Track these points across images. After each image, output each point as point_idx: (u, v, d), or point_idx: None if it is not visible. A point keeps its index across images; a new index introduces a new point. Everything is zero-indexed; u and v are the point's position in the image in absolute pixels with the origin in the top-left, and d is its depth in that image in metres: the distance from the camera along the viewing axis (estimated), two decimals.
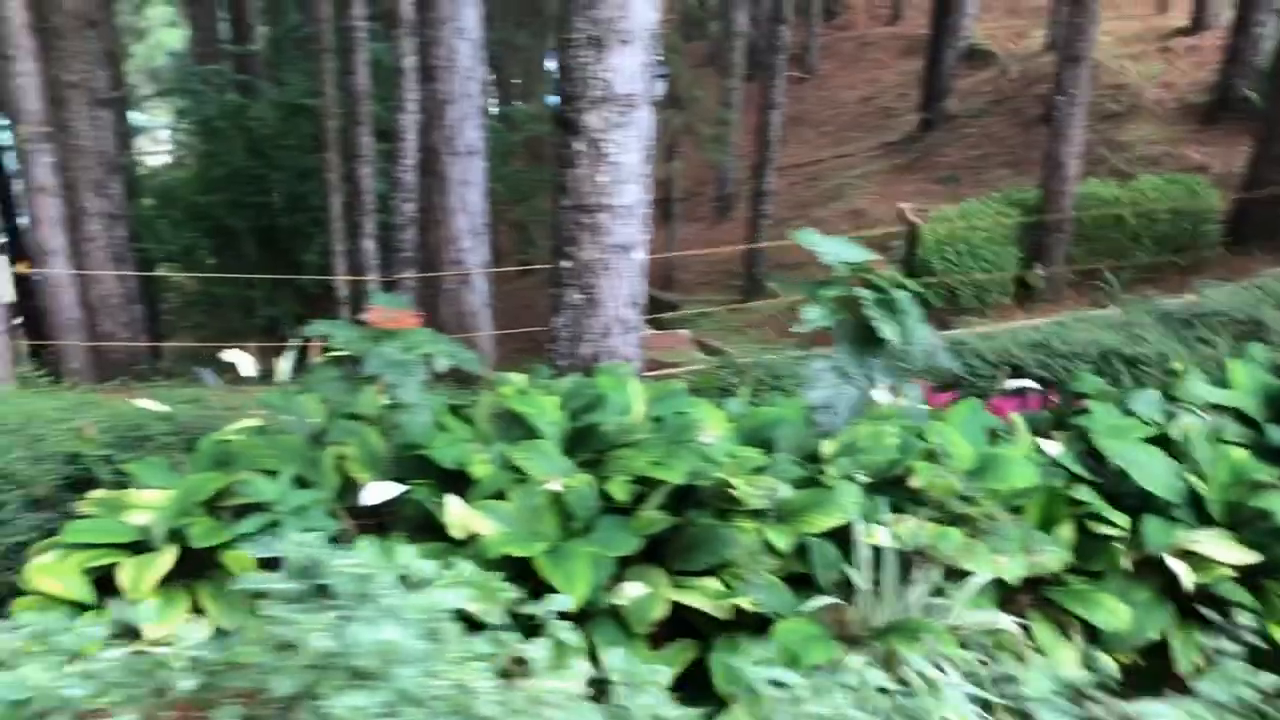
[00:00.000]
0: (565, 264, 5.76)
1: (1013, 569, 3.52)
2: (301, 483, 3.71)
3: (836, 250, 2.96)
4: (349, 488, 3.78)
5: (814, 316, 2.93)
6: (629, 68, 5.47)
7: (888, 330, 2.81)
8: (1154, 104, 15.09)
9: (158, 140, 29.68)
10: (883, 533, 3.38)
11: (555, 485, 3.45)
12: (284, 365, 4.07)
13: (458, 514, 3.41)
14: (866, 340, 2.89)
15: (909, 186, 16.71)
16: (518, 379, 4.51)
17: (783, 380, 5.78)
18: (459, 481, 3.75)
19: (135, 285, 11.10)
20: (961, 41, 18.66)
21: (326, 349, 4.35)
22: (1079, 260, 10.54)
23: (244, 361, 4.27)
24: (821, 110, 22.00)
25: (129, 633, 2.39)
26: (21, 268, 7.46)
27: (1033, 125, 16.47)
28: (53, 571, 3.40)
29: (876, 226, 15.17)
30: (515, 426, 4.05)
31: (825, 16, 25.50)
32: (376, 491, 3.38)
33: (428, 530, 3.63)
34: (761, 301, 13.54)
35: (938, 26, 17.92)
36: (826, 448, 3.85)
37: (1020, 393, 5.28)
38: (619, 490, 3.56)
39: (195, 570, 3.51)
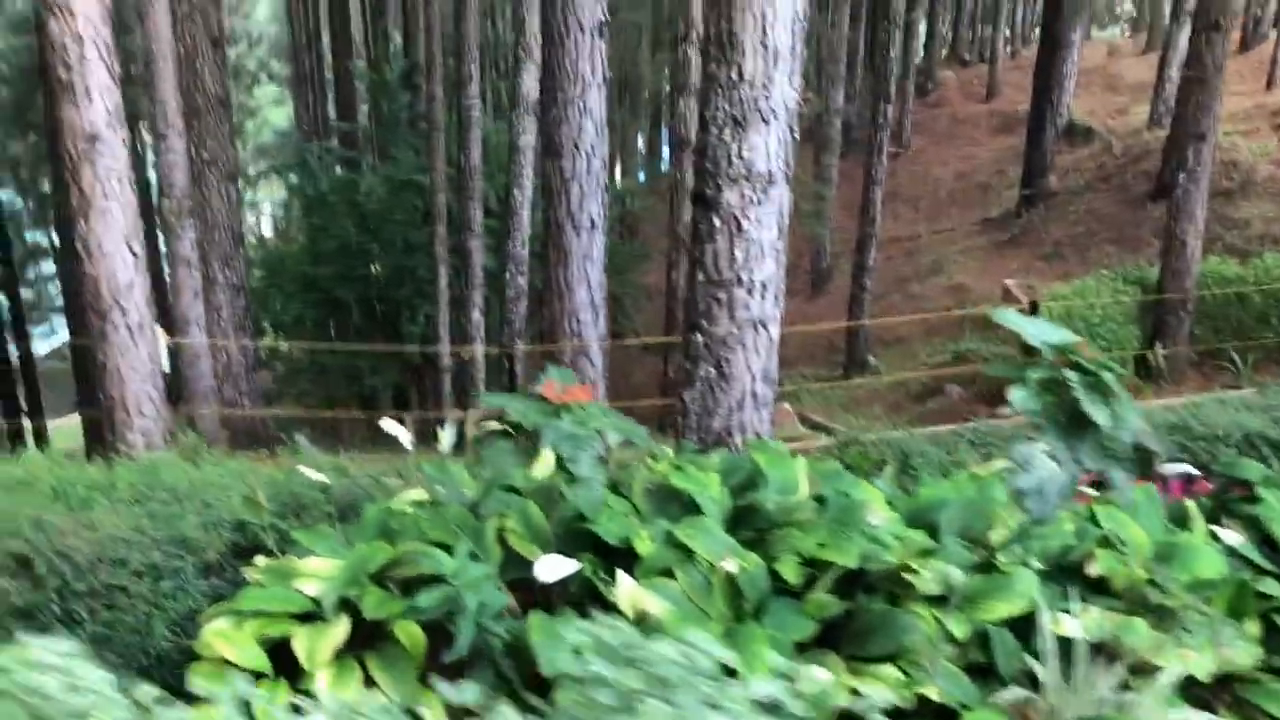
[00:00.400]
0: (698, 338, 5.78)
1: (1203, 664, 3.35)
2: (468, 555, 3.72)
3: (1038, 331, 2.91)
4: (509, 561, 3.78)
5: (1021, 399, 2.87)
6: (769, 146, 5.51)
7: (1099, 414, 2.74)
8: (1267, 181, 14.75)
9: (261, 213, 30.77)
10: (1070, 623, 3.25)
11: (730, 566, 3.40)
12: (446, 436, 4.10)
13: (629, 592, 3.38)
14: (1075, 424, 2.82)
15: (1012, 263, 16.52)
16: (667, 453, 4.49)
17: (912, 459, 5.67)
18: (620, 557, 3.72)
19: (252, 354, 11.42)
20: (1061, 118, 18.52)
21: (484, 420, 4.39)
22: (1202, 340, 10.25)
23: (402, 433, 4.32)
24: (916, 186, 21.96)
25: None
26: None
27: (1139, 202, 16.22)
28: (229, 639, 3.43)
29: (979, 303, 14.99)
30: (671, 502, 4.02)
31: (918, 93, 25.57)
32: (550, 567, 3.36)
33: (589, 605, 3.60)
34: (866, 378, 13.40)
35: (1038, 103, 17.84)
36: (996, 532, 3.75)
37: (1162, 477, 5.10)
38: (790, 572, 3.50)
39: (364, 641, 3.52)
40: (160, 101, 7.56)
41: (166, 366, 5.76)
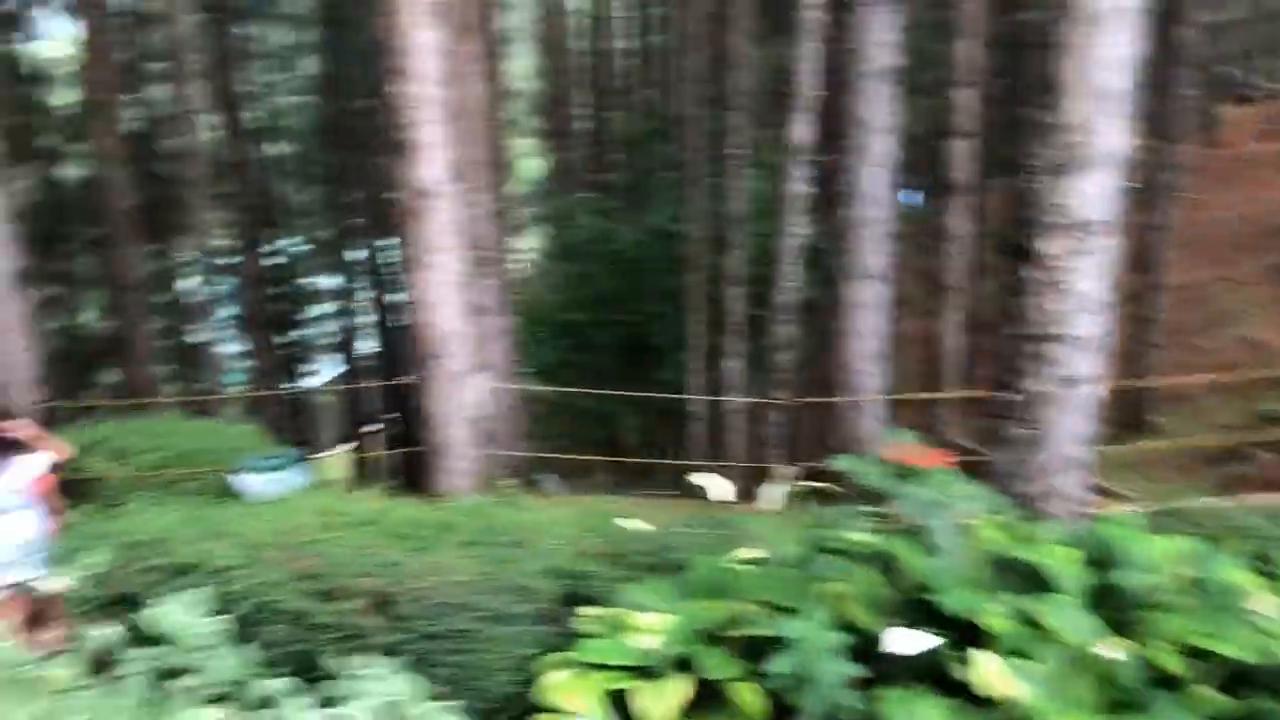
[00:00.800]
0: (1009, 396, 5.47)
1: None
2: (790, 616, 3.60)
3: None
4: (841, 626, 3.62)
5: None
6: (1092, 194, 5.19)
7: None
8: None
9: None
10: None
11: (1107, 651, 3.11)
12: (774, 493, 4.01)
13: (991, 673, 3.15)
14: None
15: None
16: (1000, 521, 4.22)
17: (1246, 534, 5.10)
18: (959, 629, 3.50)
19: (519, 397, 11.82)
20: None
21: (809, 478, 4.28)
22: None
23: (719, 486, 4.27)
24: (1195, 230, 20.36)
25: None
26: None
27: None
28: (571, 690, 3.45)
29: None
30: (1011, 573, 3.76)
31: (1196, 132, 23.81)
32: (902, 639, 3.18)
33: (933, 682, 3.40)
34: (1150, 439, 12.44)
35: None
36: None
37: None
38: (1169, 661, 3.17)
39: (699, 701, 3.45)
40: (468, 156, 7.98)
41: (483, 412, 6.03)
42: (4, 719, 1.84)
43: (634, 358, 16.72)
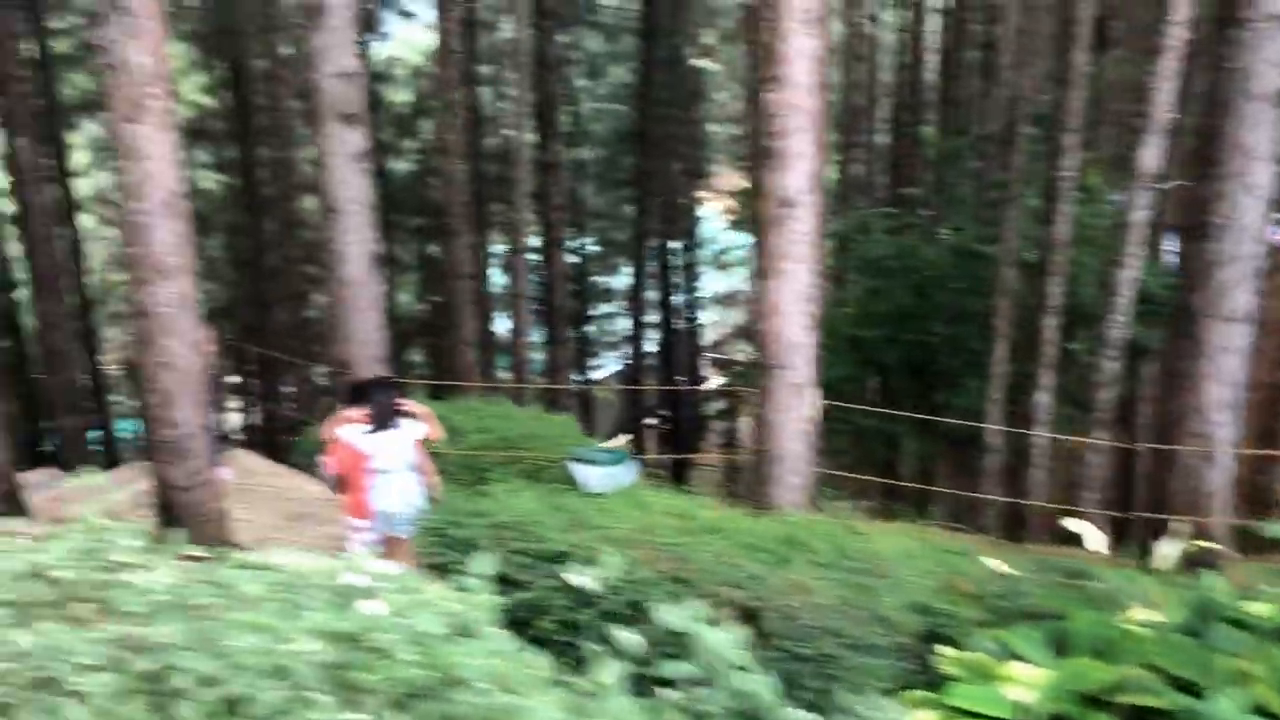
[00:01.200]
0: None
1: None
2: (1187, 690, 3.27)
3: None
4: (1250, 709, 3.25)
5: None
6: None
7: None
8: None
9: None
10: None
11: None
12: (1168, 550, 3.67)
13: None
14: None
15: None
16: None
17: None
18: None
19: None
20: None
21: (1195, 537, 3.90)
22: None
23: (1093, 536, 3.96)
24: None
25: None
26: None
27: None
28: None
29: None
30: None
31: None
32: None
33: None
34: None
35: None
36: None
37: None
38: None
39: None
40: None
41: (815, 426, 5.98)
42: (538, 711, 1.91)
43: (924, 380, 16.14)
